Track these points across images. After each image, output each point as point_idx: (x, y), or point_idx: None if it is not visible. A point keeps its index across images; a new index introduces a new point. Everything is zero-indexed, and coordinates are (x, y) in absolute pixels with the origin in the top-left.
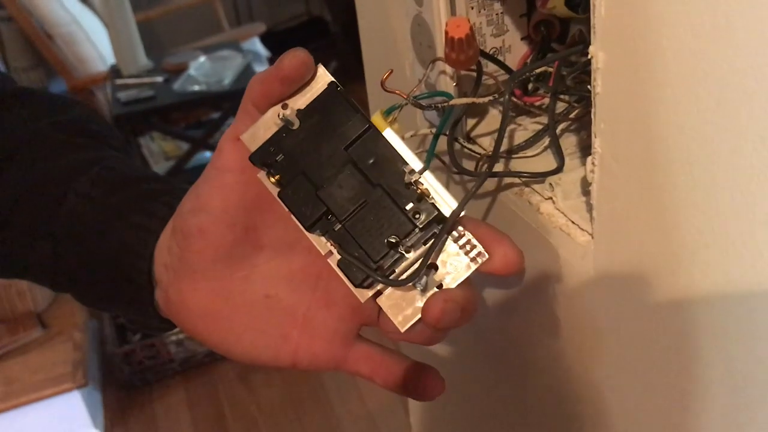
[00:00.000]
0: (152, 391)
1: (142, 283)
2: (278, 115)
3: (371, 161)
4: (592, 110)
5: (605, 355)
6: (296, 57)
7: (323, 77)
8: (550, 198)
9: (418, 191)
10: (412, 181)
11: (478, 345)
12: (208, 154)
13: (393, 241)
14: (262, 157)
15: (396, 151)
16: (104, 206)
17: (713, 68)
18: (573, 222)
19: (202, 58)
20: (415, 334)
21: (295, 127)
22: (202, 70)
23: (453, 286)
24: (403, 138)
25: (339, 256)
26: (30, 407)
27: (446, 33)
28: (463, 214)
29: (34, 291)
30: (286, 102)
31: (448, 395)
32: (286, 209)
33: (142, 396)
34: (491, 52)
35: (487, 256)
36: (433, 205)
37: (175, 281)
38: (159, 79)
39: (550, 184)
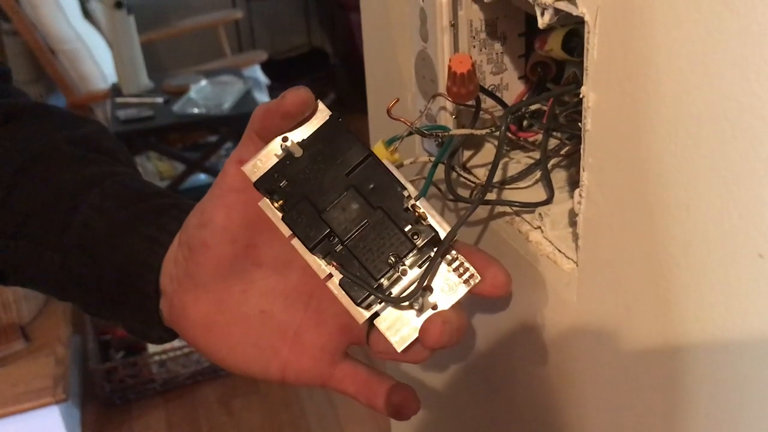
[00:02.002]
0: (131, 410)
1: (150, 293)
2: (280, 147)
3: (371, 186)
4: (582, 146)
5: (586, 380)
6: (298, 96)
7: (323, 111)
8: (539, 227)
9: (416, 214)
10: (410, 205)
11: (463, 369)
12: (203, 176)
13: (393, 260)
14: (266, 184)
15: (395, 177)
16: (116, 219)
17: (694, 109)
18: (559, 251)
19: (203, 82)
20: (410, 354)
21: (298, 156)
22: (203, 94)
23: (447, 306)
24: (402, 165)
25: (338, 279)
26: (8, 420)
27: (449, 67)
28: (456, 239)
29: (20, 303)
30: (287, 135)
31: (431, 423)
32: (288, 233)
33: (121, 414)
34: (490, 89)
35: (479, 278)
36: (430, 226)
37: (179, 291)
38: (159, 99)
39: (540, 214)
